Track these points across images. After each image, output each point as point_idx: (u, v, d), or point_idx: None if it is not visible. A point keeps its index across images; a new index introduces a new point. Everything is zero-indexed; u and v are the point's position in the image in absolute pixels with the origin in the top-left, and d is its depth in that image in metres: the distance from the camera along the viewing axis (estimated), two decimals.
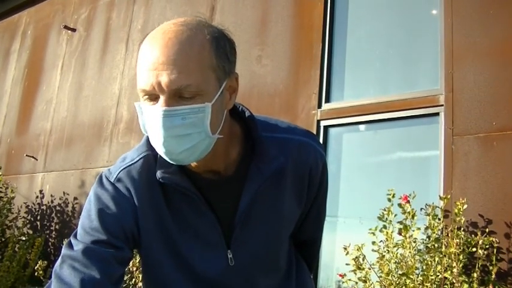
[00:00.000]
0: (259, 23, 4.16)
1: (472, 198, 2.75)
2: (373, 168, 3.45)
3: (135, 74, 1.02)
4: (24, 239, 4.96)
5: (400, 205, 2.66)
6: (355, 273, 2.72)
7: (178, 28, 1.00)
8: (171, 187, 1.12)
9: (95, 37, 5.69)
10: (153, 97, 0.99)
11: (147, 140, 1.14)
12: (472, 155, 2.83)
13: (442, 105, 3.03)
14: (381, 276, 2.61)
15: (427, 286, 2.45)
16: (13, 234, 5.03)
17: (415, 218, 2.63)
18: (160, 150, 1.02)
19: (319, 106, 3.62)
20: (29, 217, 5.58)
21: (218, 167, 1.13)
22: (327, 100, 3.63)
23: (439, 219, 2.64)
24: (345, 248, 2.76)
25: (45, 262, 4.23)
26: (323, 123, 3.58)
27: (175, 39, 0.98)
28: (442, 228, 2.60)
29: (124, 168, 1.14)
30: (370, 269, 2.68)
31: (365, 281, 2.68)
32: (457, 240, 2.44)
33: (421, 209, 2.70)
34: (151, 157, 1.14)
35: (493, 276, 2.49)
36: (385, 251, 2.66)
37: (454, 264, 2.41)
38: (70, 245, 1.09)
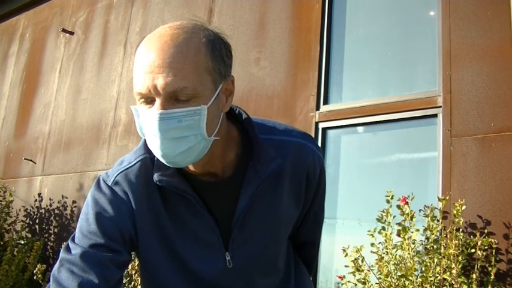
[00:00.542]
0: (257, 25, 4.16)
1: (470, 200, 2.75)
2: (372, 170, 3.45)
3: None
4: (22, 242, 4.95)
5: (398, 207, 2.66)
6: (354, 275, 2.71)
7: (174, 31, 1.00)
8: (168, 189, 1.12)
9: (93, 40, 5.69)
10: (149, 100, 0.99)
11: (145, 143, 1.14)
12: (470, 156, 2.83)
13: (440, 107, 3.03)
14: (380, 278, 2.61)
15: (426, 287, 2.45)
16: (12, 237, 5.02)
17: (414, 219, 2.62)
18: (157, 153, 1.03)
19: (318, 108, 3.62)
20: (27, 220, 5.57)
21: (216, 169, 1.13)
22: (325, 102, 3.63)
23: (438, 220, 2.64)
24: (344, 250, 2.76)
25: (44, 266, 4.22)
26: (321, 125, 3.58)
27: (171, 42, 0.98)
28: (441, 230, 2.60)
29: (121, 172, 1.14)
30: (369, 270, 2.68)
31: (364, 283, 2.68)
32: (456, 242, 2.44)
33: (420, 210, 2.70)
34: (148, 160, 1.14)
35: (492, 277, 2.49)
36: (384, 253, 2.66)
37: (453, 266, 2.41)
38: (68, 249, 1.10)
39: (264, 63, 4.01)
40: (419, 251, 2.61)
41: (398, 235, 2.61)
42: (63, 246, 1.13)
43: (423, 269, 2.52)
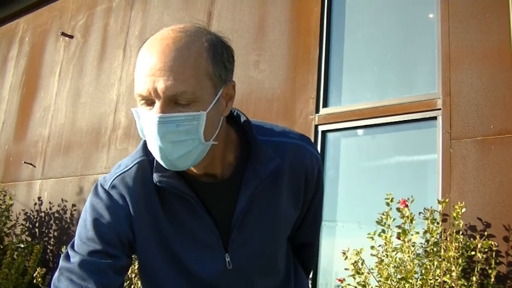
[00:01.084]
0: (256, 28, 4.17)
1: (470, 202, 2.75)
2: (371, 172, 3.45)
3: (133, 80, 1.03)
4: (22, 246, 4.94)
5: (398, 209, 2.66)
6: (354, 278, 2.71)
7: (176, 35, 1.01)
8: (167, 190, 1.12)
9: (92, 43, 5.70)
10: (149, 102, 1.00)
11: (144, 145, 1.15)
12: (470, 159, 2.83)
13: (439, 109, 3.04)
14: (380, 281, 2.60)
15: None
16: (11, 241, 5.02)
17: (414, 222, 2.62)
18: (157, 155, 1.04)
19: (317, 111, 3.62)
20: (27, 224, 5.56)
21: (215, 170, 1.14)
22: (325, 105, 3.63)
23: (438, 223, 2.64)
24: (344, 253, 2.76)
25: (44, 269, 4.21)
26: (321, 128, 3.58)
27: (172, 45, 0.98)
28: (441, 232, 2.60)
29: (118, 175, 1.15)
30: (369, 273, 2.67)
31: (364, 286, 2.67)
32: (456, 244, 2.44)
33: (420, 213, 2.69)
34: (146, 162, 1.14)
35: (492, 279, 2.49)
36: (384, 256, 2.66)
37: (453, 268, 2.41)
38: (67, 257, 1.11)
39: (264, 66, 4.01)
40: (419, 253, 2.61)
41: (398, 238, 2.61)
42: (62, 253, 1.15)
43: (423, 271, 2.51)
